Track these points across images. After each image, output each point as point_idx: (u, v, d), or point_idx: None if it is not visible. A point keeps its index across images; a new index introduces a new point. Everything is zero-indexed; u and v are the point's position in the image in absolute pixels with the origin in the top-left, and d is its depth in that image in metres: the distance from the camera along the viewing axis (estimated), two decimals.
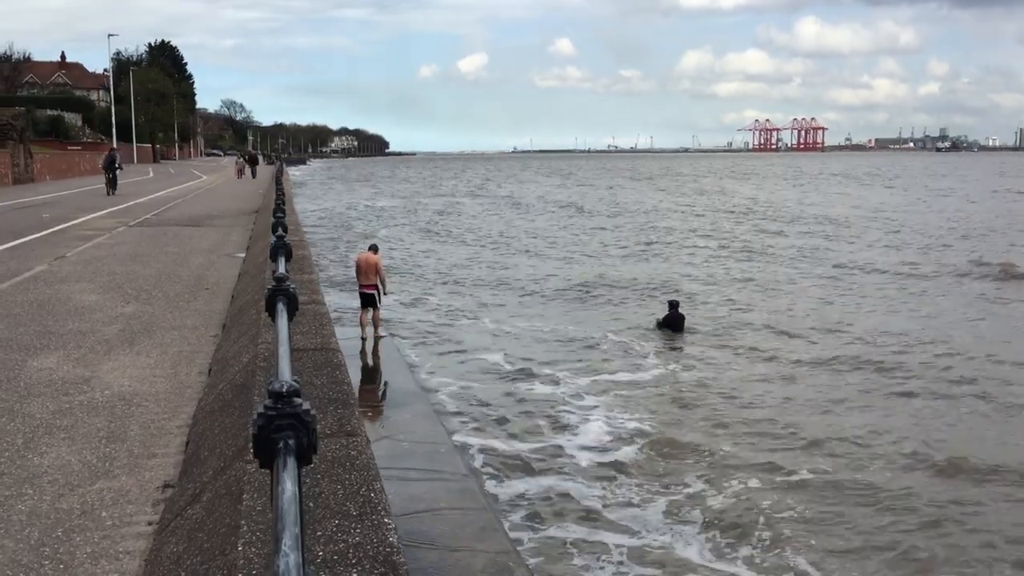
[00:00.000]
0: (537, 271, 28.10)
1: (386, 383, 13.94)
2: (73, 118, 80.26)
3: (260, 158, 74.05)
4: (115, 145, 71.44)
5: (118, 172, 34.82)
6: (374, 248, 17.19)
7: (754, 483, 10.19)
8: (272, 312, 4.06)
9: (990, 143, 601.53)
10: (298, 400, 2.03)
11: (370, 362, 15.24)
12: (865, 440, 11.71)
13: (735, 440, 11.72)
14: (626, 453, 11.25)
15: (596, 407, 13.12)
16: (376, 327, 16.32)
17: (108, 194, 33.02)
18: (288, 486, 1.74)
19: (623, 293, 23.65)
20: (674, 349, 17.29)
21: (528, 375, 14.86)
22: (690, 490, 10.01)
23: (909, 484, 10.25)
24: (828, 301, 22.53)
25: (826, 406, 13.33)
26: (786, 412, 12.98)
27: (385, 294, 16.73)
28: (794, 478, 10.39)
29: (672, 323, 18.43)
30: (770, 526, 9.06)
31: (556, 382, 14.45)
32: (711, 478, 10.34)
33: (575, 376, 14.79)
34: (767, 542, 8.73)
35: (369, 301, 16.29)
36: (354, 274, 17.42)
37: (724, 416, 12.76)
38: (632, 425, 12.28)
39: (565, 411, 12.93)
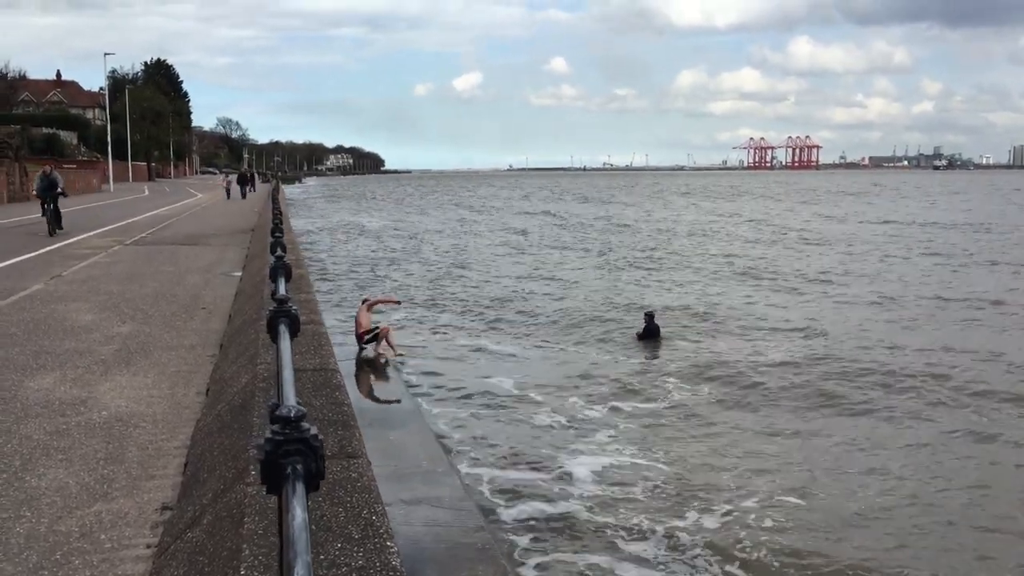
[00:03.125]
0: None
1: (385, 404, 13.89)
2: (69, 136, 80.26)
3: (254, 176, 70.98)
4: (111, 162, 71.72)
5: (60, 199, 24.48)
6: (367, 302, 17.64)
7: (749, 503, 10.15)
8: (274, 334, 4.05)
9: (984, 161, 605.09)
10: (305, 425, 2.02)
11: (369, 383, 15.20)
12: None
13: (726, 460, 11.69)
14: (625, 475, 11.20)
15: (596, 430, 13.07)
16: (392, 349, 16.63)
17: (50, 234, 23.03)
18: (298, 512, 1.73)
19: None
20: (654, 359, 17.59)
21: (528, 398, 14.80)
22: (689, 512, 9.97)
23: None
24: None
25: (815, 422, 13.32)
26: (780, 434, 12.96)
27: (387, 344, 16.84)
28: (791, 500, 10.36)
29: (649, 334, 18.95)
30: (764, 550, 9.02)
31: (555, 403, 14.39)
32: (709, 501, 10.30)
33: (573, 397, 14.74)
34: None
35: (371, 340, 16.68)
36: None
37: (707, 433, 12.73)
38: (634, 448, 12.23)
39: (563, 433, 12.88)
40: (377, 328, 16.83)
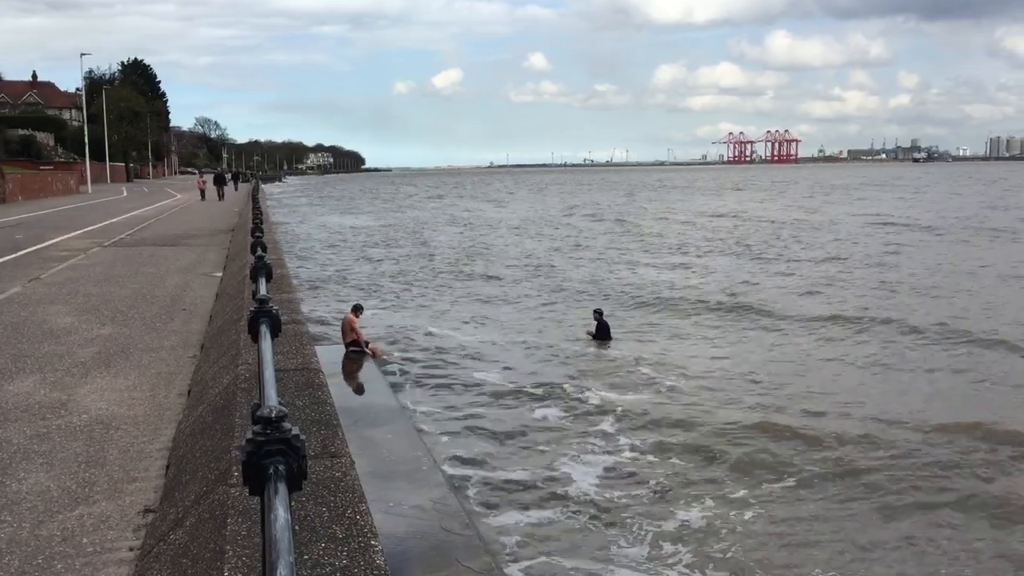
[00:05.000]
0: None
1: (367, 402, 13.87)
2: (45, 137, 79.62)
3: (228, 177, 63.31)
4: (88, 163, 71.06)
5: None
6: (356, 309, 17.56)
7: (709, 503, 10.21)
8: (255, 334, 4.04)
9: (961, 153, 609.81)
10: (287, 425, 2.02)
11: (352, 382, 15.18)
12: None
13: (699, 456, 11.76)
14: (613, 472, 11.24)
15: (582, 425, 13.11)
16: (375, 354, 16.73)
17: None
18: (280, 513, 1.72)
19: None
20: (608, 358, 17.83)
21: (513, 393, 14.82)
22: (679, 512, 10.02)
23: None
24: None
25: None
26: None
27: (372, 354, 16.80)
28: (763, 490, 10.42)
29: (600, 332, 19.03)
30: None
31: (542, 398, 14.42)
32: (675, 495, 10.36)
33: (565, 390, 14.78)
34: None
35: (357, 351, 16.71)
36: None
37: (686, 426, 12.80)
38: (627, 446, 12.28)
39: (548, 430, 12.91)
40: (368, 345, 16.85)
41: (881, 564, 8.63)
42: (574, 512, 9.83)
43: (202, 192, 51.09)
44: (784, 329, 20.35)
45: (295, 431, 2.00)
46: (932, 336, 18.89)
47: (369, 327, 18.60)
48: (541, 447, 12.06)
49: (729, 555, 8.78)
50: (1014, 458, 11.45)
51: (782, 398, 14.33)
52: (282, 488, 1.87)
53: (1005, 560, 8.75)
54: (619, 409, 13.70)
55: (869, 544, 9.01)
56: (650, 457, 11.65)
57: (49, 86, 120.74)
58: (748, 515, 9.67)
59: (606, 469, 11.24)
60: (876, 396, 14.49)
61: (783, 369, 16.45)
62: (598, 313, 19.52)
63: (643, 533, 9.31)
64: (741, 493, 10.34)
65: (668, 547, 8.99)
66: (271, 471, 1.92)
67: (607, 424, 13.01)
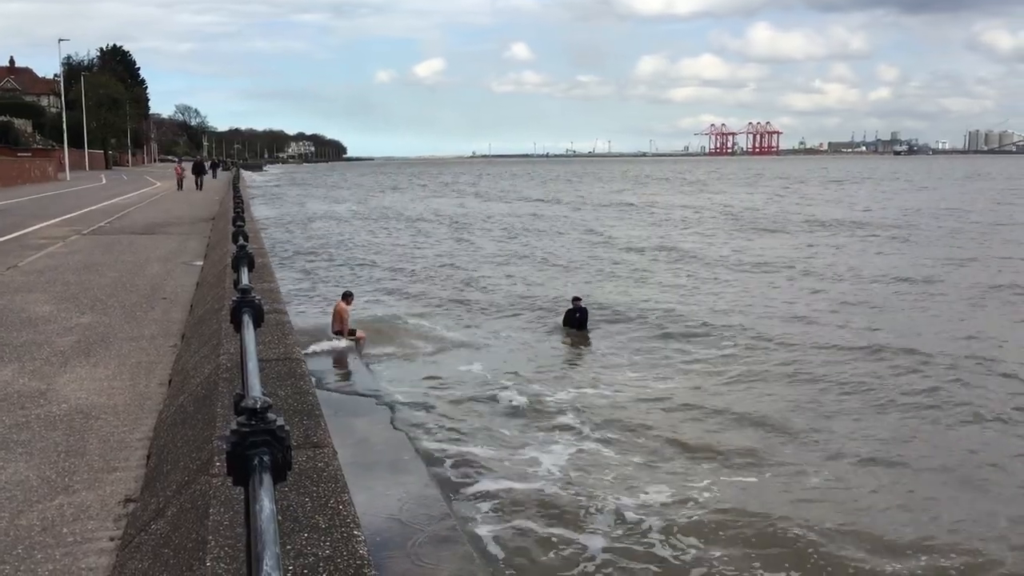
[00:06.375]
0: None
1: (350, 392, 13.86)
2: (23, 124, 78.86)
3: (208, 166, 58.69)
4: (67, 150, 70.43)
5: None
6: (347, 296, 17.52)
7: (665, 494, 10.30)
8: (237, 324, 4.02)
9: (940, 146, 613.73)
10: (272, 416, 2.02)
11: (334, 372, 15.16)
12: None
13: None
14: (586, 457, 11.29)
15: (557, 413, 13.16)
16: (359, 343, 16.77)
17: None
18: (266, 503, 1.73)
19: None
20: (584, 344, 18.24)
21: (493, 384, 14.85)
22: (657, 494, 10.09)
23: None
24: None
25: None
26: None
27: (358, 343, 16.80)
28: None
29: (572, 319, 19.16)
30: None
31: (515, 387, 14.46)
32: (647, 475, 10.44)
33: (544, 382, 14.83)
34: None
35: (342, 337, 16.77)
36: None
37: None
38: (597, 432, 12.33)
39: (525, 419, 12.95)
40: (355, 333, 16.81)
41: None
42: (546, 491, 9.98)
43: (180, 181, 47.67)
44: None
45: (280, 422, 2.00)
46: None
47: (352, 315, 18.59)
48: (516, 435, 12.12)
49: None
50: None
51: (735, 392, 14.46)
52: (267, 479, 1.87)
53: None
54: (588, 400, 13.81)
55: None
56: (617, 439, 11.78)
57: (27, 72, 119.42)
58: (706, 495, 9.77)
59: (573, 454, 11.39)
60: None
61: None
62: (576, 300, 19.53)
63: (610, 507, 9.50)
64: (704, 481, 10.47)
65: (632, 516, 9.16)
66: (256, 462, 1.91)
67: (571, 416, 13.09)
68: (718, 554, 8.59)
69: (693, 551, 8.64)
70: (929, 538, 8.91)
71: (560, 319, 19.67)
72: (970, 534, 8.98)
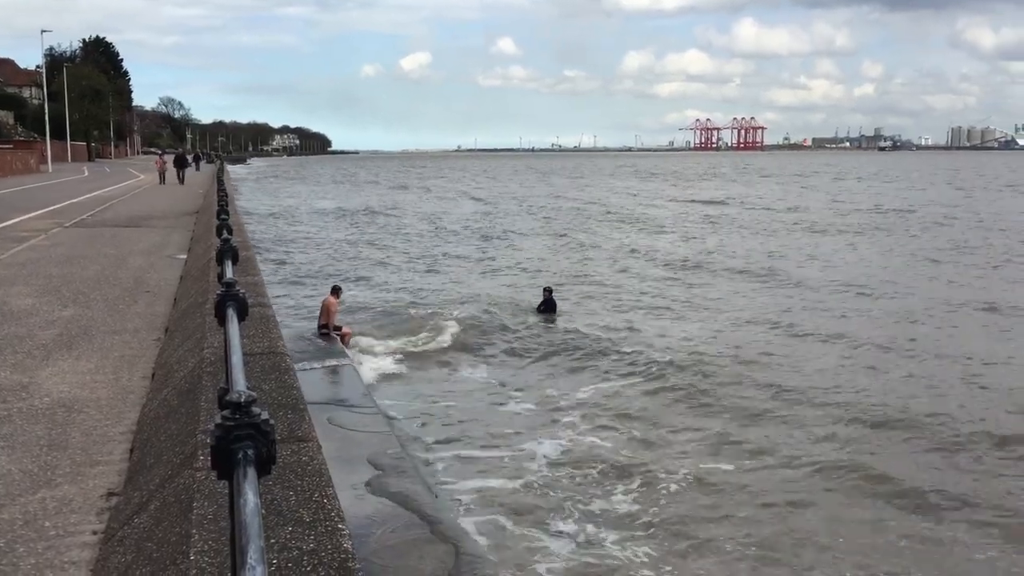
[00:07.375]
0: None
1: (334, 385, 13.82)
2: (5, 116, 78.22)
3: (190, 159, 56.70)
4: (49, 142, 69.90)
5: None
6: (336, 290, 17.55)
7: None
8: (221, 317, 4.01)
9: (923, 142, 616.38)
10: (256, 410, 2.01)
11: (319, 366, 15.11)
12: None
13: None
14: (570, 453, 11.33)
15: (546, 407, 13.19)
16: (344, 338, 16.71)
17: None
18: (250, 497, 1.72)
19: None
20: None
21: (479, 376, 14.88)
22: (633, 492, 10.14)
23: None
24: None
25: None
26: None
27: (341, 338, 16.77)
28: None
29: (547, 307, 20.52)
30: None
31: (498, 380, 14.50)
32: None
33: (514, 375, 14.86)
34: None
35: (327, 334, 16.69)
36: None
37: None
38: (586, 427, 12.38)
39: (511, 410, 12.98)
40: (340, 329, 16.78)
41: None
42: (527, 480, 10.05)
43: (161, 175, 45.02)
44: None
45: (264, 416, 2.00)
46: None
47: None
48: (505, 428, 12.16)
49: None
50: None
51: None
52: (251, 473, 1.87)
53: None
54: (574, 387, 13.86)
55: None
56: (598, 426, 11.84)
57: (9, 63, 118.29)
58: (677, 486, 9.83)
59: (561, 446, 11.45)
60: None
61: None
62: (547, 291, 20.76)
63: (586, 498, 9.63)
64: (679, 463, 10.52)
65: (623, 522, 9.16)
66: (240, 456, 1.91)
67: (567, 405, 13.13)
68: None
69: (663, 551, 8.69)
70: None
71: (536, 307, 20.82)
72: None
